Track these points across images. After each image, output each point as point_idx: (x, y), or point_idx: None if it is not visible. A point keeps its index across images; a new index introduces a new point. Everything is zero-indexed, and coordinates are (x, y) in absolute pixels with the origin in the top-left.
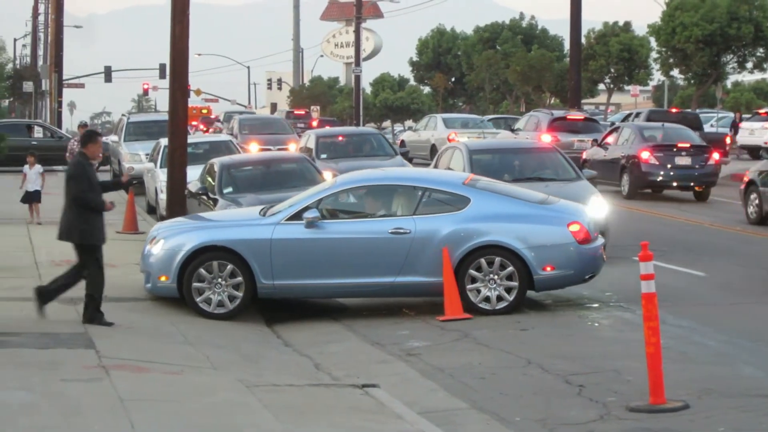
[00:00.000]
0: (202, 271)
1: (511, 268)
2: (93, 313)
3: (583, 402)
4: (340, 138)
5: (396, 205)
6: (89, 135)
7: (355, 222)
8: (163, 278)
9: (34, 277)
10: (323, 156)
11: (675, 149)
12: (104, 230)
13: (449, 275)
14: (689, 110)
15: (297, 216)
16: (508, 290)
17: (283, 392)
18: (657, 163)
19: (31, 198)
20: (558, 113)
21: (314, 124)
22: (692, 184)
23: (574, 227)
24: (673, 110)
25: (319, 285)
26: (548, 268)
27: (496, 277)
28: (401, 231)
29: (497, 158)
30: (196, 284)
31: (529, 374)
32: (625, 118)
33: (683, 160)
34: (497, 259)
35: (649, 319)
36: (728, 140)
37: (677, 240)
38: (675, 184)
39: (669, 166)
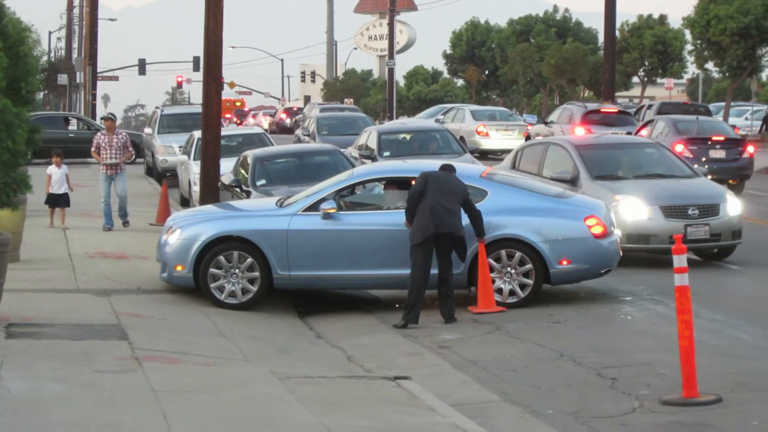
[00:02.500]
0: (221, 258)
1: (529, 266)
2: (452, 310)
3: (615, 395)
4: (404, 135)
5: None
6: (447, 167)
7: (372, 213)
8: (179, 268)
9: (67, 269)
10: (386, 154)
11: (709, 142)
12: None
13: (484, 268)
14: (699, 103)
15: (314, 207)
16: (522, 286)
17: (315, 384)
18: (691, 156)
19: (58, 202)
20: (592, 106)
21: None
22: (727, 177)
23: (591, 221)
24: (684, 102)
25: (335, 276)
26: (564, 262)
27: (513, 271)
28: None
29: (606, 154)
30: (213, 270)
31: (561, 367)
32: (637, 111)
33: (717, 153)
34: (517, 254)
35: (683, 312)
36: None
37: None
38: (709, 177)
39: (703, 159)
